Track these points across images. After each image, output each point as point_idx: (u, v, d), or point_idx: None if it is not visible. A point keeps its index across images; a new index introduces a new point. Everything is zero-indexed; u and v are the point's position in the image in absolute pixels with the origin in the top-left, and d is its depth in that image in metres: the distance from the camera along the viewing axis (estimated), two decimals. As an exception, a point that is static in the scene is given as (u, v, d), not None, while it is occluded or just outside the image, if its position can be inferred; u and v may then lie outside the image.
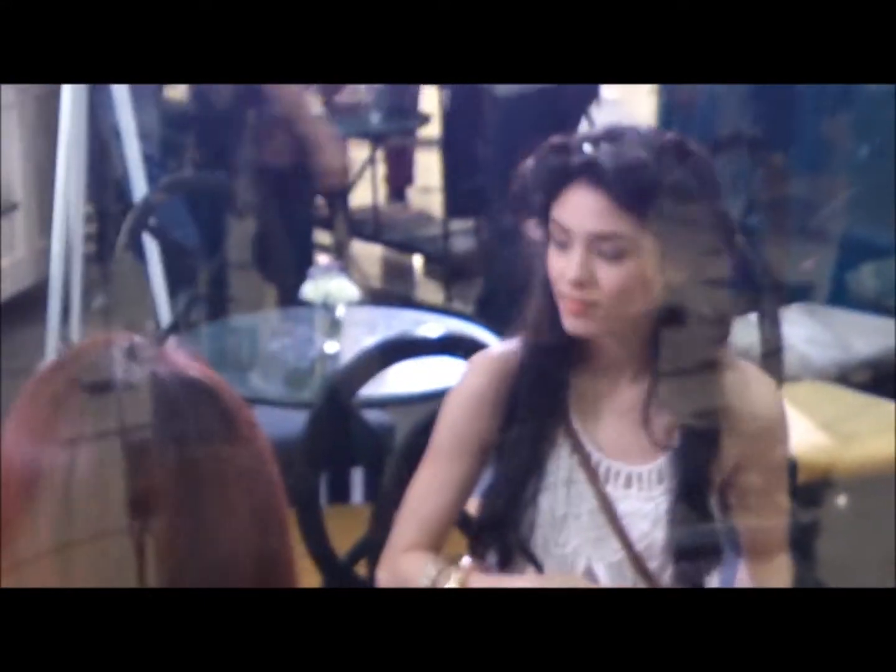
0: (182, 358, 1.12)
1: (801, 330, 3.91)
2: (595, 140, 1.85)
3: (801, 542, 3.10)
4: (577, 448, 1.91)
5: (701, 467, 1.90)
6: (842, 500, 3.37)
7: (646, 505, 1.91)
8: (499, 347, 2.01)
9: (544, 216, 1.88)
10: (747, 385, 1.94)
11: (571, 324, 1.87)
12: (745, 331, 3.43)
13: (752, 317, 3.23)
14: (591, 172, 1.82)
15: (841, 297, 4.02)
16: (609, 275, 1.83)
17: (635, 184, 1.81)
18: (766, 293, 3.13)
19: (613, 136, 1.85)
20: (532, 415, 1.92)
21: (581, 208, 1.83)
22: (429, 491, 1.97)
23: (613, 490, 1.91)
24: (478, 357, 2.00)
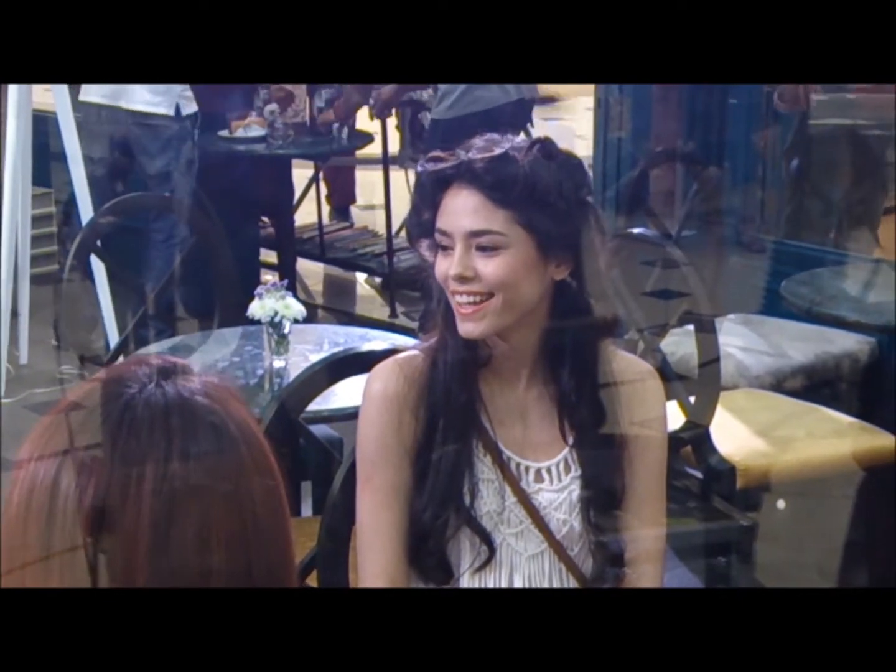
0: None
1: (737, 339, 3.98)
2: (468, 147, 1.96)
3: (741, 545, 3.17)
4: (489, 447, 1.98)
5: (601, 450, 1.99)
6: (780, 504, 3.44)
7: (559, 495, 1.99)
8: (400, 355, 2.05)
9: (432, 232, 1.97)
10: (630, 371, 2.03)
11: (463, 328, 1.95)
12: (683, 341, 3.51)
13: (690, 327, 3.30)
14: (464, 174, 1.92)
15: (775, 306, 4.10)
16: (487, 267, 1.92)
17: (504, 179, 1.91)
18: (702, 304, 3.19)
19: (486, 143, 1.96)
20: (446, 416, 1.97)
21: (458, 209, 1.93)
22: (375, 509, 1.98)
23: (526, 486, 1.99)
24: (381, 365, 2.03)
